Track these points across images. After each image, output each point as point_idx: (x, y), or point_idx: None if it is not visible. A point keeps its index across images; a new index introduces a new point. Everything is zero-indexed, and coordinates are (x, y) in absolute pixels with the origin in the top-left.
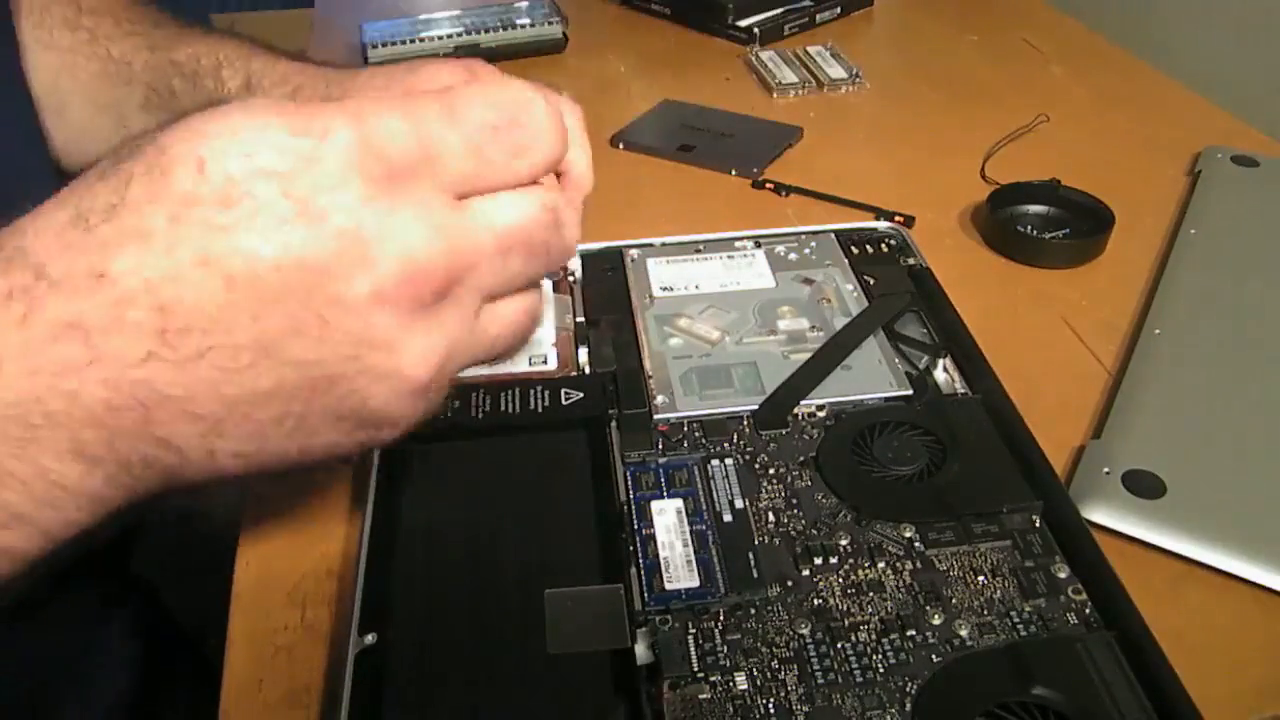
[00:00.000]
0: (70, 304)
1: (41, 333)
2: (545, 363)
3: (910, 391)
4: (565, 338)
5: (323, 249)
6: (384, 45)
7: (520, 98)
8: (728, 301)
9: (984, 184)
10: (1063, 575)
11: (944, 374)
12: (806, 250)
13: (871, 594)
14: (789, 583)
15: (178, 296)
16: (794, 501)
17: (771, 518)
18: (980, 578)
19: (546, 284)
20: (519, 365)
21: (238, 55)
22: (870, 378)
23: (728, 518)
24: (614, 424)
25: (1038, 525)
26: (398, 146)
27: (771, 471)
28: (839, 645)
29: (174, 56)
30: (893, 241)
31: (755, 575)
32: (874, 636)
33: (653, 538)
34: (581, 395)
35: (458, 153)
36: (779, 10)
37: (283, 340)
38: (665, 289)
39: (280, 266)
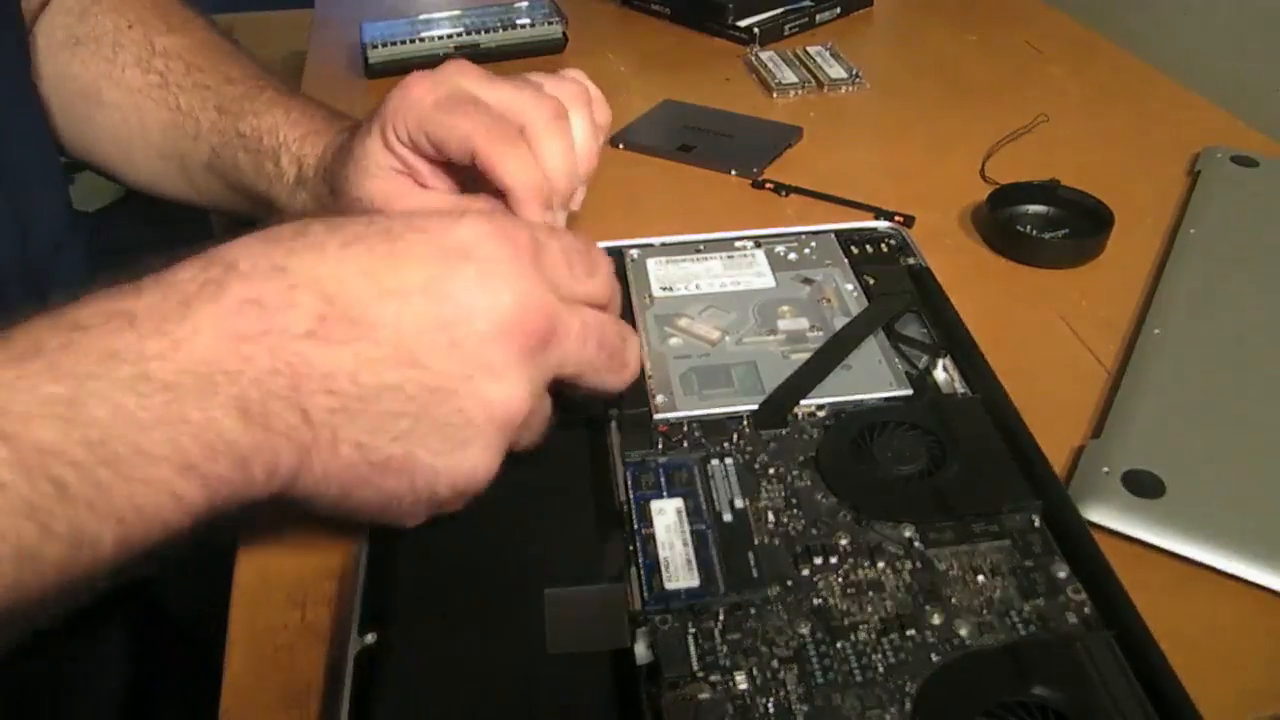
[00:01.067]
0: (253, 287)
1: (228, 307)
2: None
3: (910, 391)
4: None
5: (459, 286)
6: (384, 46)
7: (588, 241)
8: (728, 301)
9: (984, 184)
10: (1062, 575)
11: (944, 374)
12: (806, 250)
13: (871, 594)
14: (789, 582)
15: (340, 293)
16: (794, 501)
17: (771, 518)
18: (980, 577)
19: None
20: None
21: (295, 136)
22: (870, 377)
23: (728, 518)
24: (614, 424)
25: (1037, 525)
26: (520, 235)
27: (771, 471)
28: (839, 645)
29: (240, 127)
30: (893, 241)
31: (755, 575)
32: (874, 636)
33: (652, 537)
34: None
35: (557, 257)
36: (779, 10)
37: (416, 348)
38: (665, 289)
39: (425, 291)
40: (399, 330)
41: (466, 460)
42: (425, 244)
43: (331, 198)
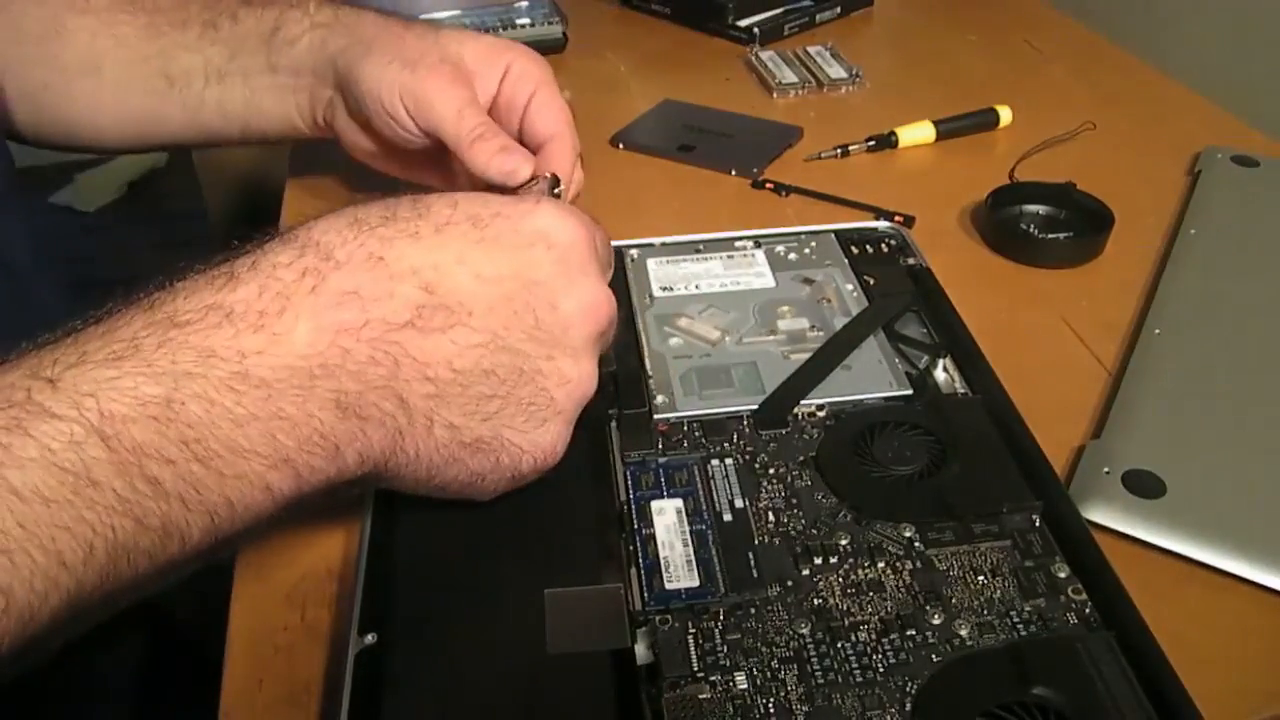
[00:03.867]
0: (351, 278)
1: (327, 300)
2: None
3: (910, 391)
4: None
5: (544, 272)
6: None
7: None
8: (728, 301)
9: (983, 184)
10: (1063, 575)
11: (944, 374)
12: (806, 250)
13: (871, 594)
14: (789, 582)
15: (437, 282)
16: (794, 501)
17: (771, 517)
18: (980, 577)
19: None
20: None
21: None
22: (870, 378)
23: (728, 517)
24: (614, 424)
25: (1038, 525)
26: (584, 219)
27: (771, 471)
28: (839, 645)
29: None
30: (893, 241)
31: (755, 575)
32: (874, 636)
33: (652, 537)
34: None
35: (603, 240)
36: (779, 10)
37: (505, 330)
38: (665, 289)
39: (516, 277)
40: (491, 316)
41: (547, 436)
42: (511, 230)
43: (329, 91)
